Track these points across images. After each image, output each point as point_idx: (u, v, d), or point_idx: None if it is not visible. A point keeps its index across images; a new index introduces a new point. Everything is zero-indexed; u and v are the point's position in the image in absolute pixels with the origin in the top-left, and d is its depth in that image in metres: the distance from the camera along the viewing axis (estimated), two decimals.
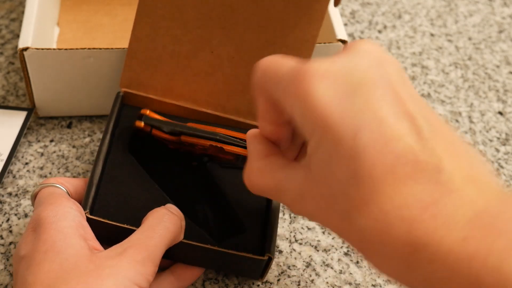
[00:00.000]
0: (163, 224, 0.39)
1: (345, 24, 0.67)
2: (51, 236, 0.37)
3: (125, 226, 0.41)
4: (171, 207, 0.42)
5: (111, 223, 0.41)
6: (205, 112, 0.50)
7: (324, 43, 0.53)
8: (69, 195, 0.42)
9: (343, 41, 0.53)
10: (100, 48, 0.51)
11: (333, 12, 0.56)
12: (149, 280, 0.37)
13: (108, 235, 0.41)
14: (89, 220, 0.41)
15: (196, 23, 0.47)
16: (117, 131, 0.48)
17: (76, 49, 0.51)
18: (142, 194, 0.45)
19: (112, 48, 0.51)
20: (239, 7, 0.47)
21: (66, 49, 0.51)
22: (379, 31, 0.67)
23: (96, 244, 0.39)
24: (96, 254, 0.37)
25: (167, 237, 0.39)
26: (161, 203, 0.42)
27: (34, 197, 0.42)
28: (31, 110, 0.54)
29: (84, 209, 0.41)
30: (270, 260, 0.42)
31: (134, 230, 0.39)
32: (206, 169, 0.48)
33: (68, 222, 0.38)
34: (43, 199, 0.41)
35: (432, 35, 0.67)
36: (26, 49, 0.50)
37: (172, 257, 0.42)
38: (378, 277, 0.46)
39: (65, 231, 0.38)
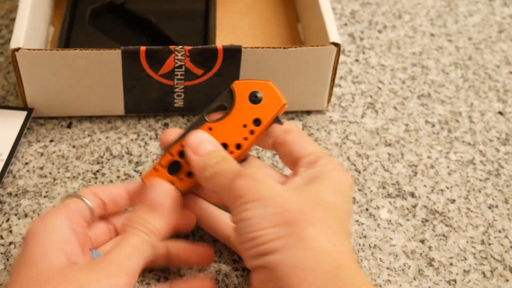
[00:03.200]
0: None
1: (345, 24, 0.67)
2: (31, 249, 0.37)
3: None
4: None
5: None
6: None
7: (317, 46, 0.52)
8: (92, 210, 0.41)
9: (336, 44, 0.52)
10: (92, 49, 0.50)
11: (327, 13, 0.54)
12: None
13: None
14: None
15: None
16: None
17: (68, 49, 0.50)
18: None
19: (104, 49, 0.50)
20: None
21: (57, 49, 0.51)
22: (379, 31, 0.67)
23: (80, 260, 0.38)
24: (70, 267, 0.36)
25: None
26: None
27: None
28: (31, 110, 0.54)
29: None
30: None
31: None
32: None
33: (54, 237, 0.37)
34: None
35: (432, 35, 0.67)
36: (17, 49, 0.50)
37: None
38: (378, 277, 0.46)
39: (47, 245, 0.37)
